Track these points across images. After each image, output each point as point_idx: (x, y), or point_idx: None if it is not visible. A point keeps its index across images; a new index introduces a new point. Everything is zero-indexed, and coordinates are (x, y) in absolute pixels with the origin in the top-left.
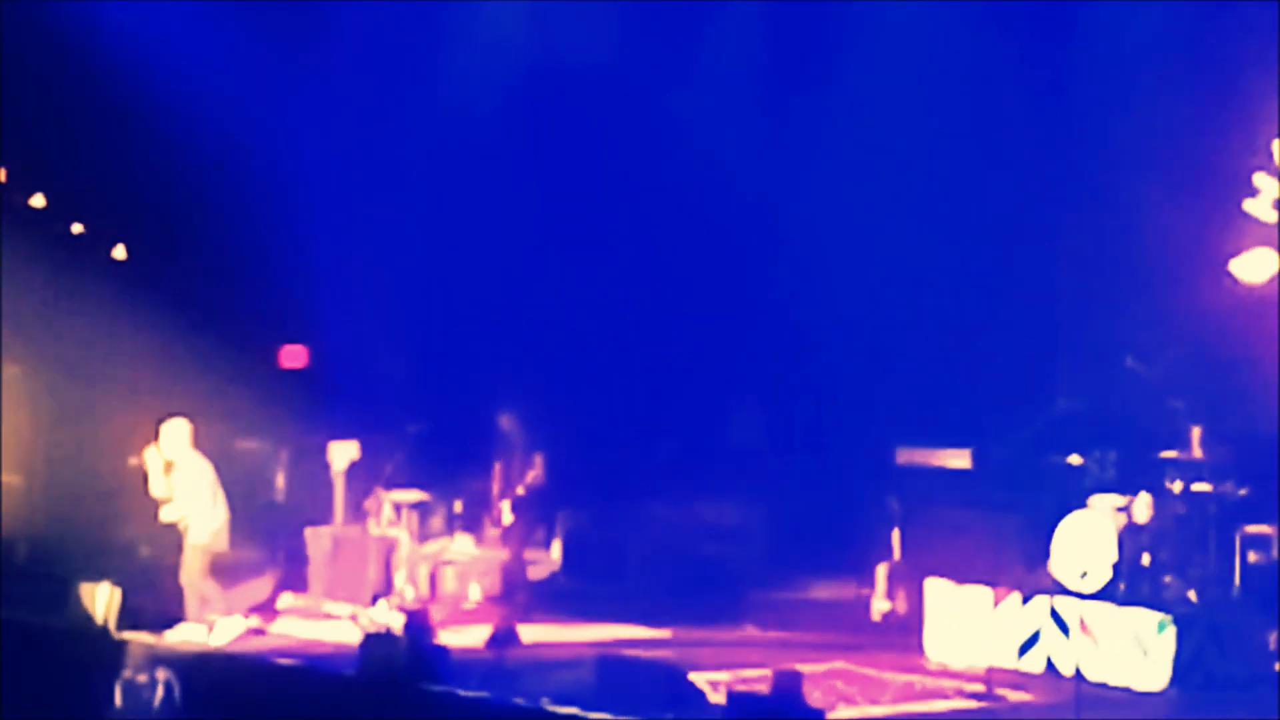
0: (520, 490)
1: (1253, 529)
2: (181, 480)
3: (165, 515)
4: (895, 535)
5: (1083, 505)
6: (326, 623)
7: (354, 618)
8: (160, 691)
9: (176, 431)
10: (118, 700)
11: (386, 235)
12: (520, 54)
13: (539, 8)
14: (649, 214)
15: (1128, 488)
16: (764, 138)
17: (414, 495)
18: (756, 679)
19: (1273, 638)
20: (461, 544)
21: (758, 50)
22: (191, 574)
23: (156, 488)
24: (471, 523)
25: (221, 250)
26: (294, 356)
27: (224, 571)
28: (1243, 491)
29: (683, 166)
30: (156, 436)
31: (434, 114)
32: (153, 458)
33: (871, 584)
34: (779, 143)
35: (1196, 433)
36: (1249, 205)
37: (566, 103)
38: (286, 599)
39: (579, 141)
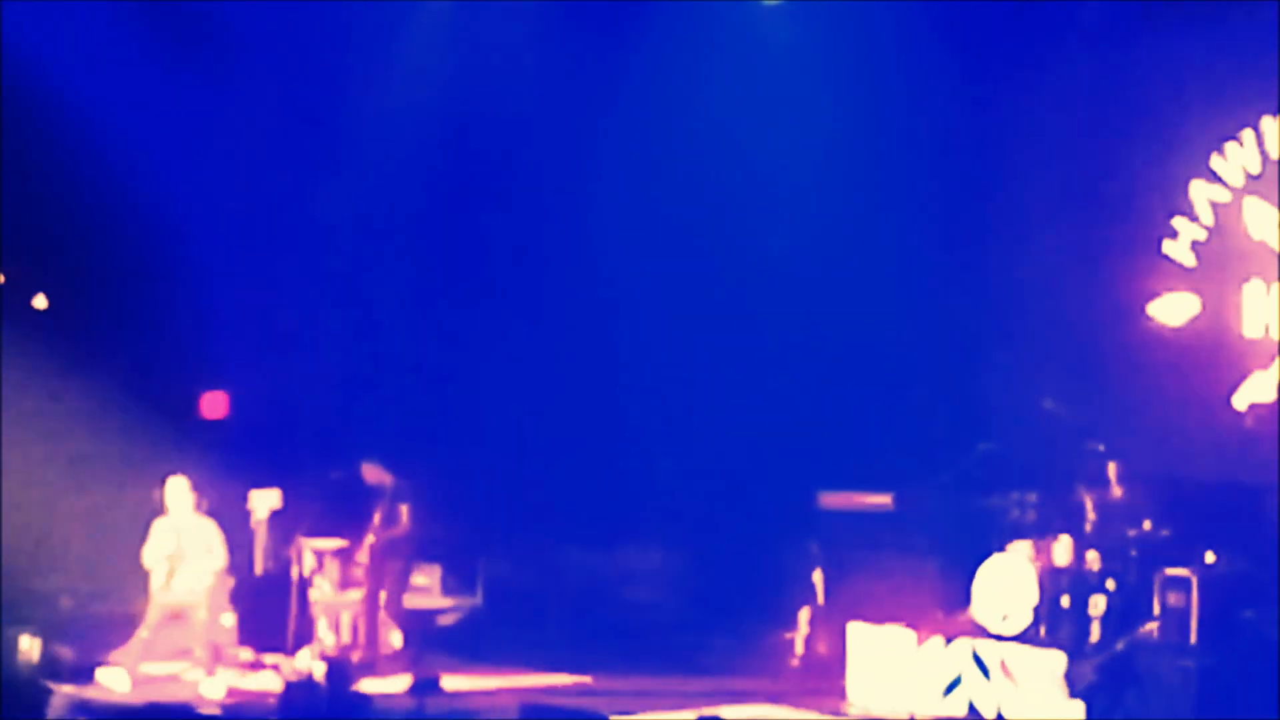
0: (379, 537)
1: (1172, 571)
2: (187, 538)
3: (158, 576)
4: (817, 578)
5: (1003, 548)
6: (249, 672)
7: (276, 666)
8: None
9: (179, 490)
10: None
11: (306, 280)
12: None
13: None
14: (560, 259)
15: (1047, 530)
16: (675, 186)
17: (335, 543)
18: None
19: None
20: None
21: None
22: (152, 625)
23: (155, 551)
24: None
25: (138, 295)
26: (214, 405)
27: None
28: (1163, 533)
29: (599, 226)
30: (161, 497)
31: (341, 164)
32: (160, 524)
33: (793, 628)
34: (693, 194)
35: (1115, 474)
36: (1168, 248)
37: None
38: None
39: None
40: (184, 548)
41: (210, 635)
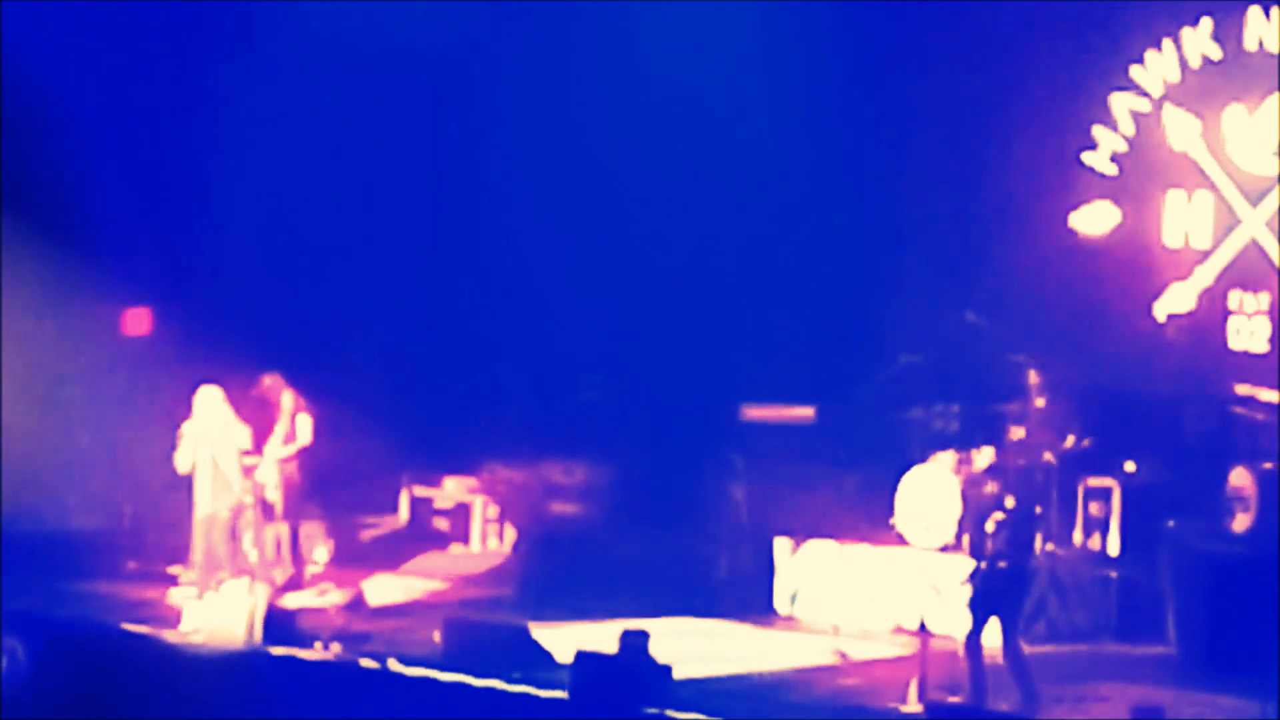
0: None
1: (1094, 481)
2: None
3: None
4: (740, 492)
5: (925, 459)
6: (178, 588)
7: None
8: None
9: (210, 399)
10: None
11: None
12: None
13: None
14: (482, 174)
15: (970, 441)
16: (593, 104)
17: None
18: (603, 637)
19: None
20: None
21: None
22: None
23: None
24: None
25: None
26: (137, 321)
27: None
28: (1085, 443)
29: (528, 134)
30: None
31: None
32: (188, 429)
33: (717, 541)
34: (612, 103)
35: (1036, 385)
36: (1088, 158)
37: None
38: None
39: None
40: (213, 457)
41: (231, 562)
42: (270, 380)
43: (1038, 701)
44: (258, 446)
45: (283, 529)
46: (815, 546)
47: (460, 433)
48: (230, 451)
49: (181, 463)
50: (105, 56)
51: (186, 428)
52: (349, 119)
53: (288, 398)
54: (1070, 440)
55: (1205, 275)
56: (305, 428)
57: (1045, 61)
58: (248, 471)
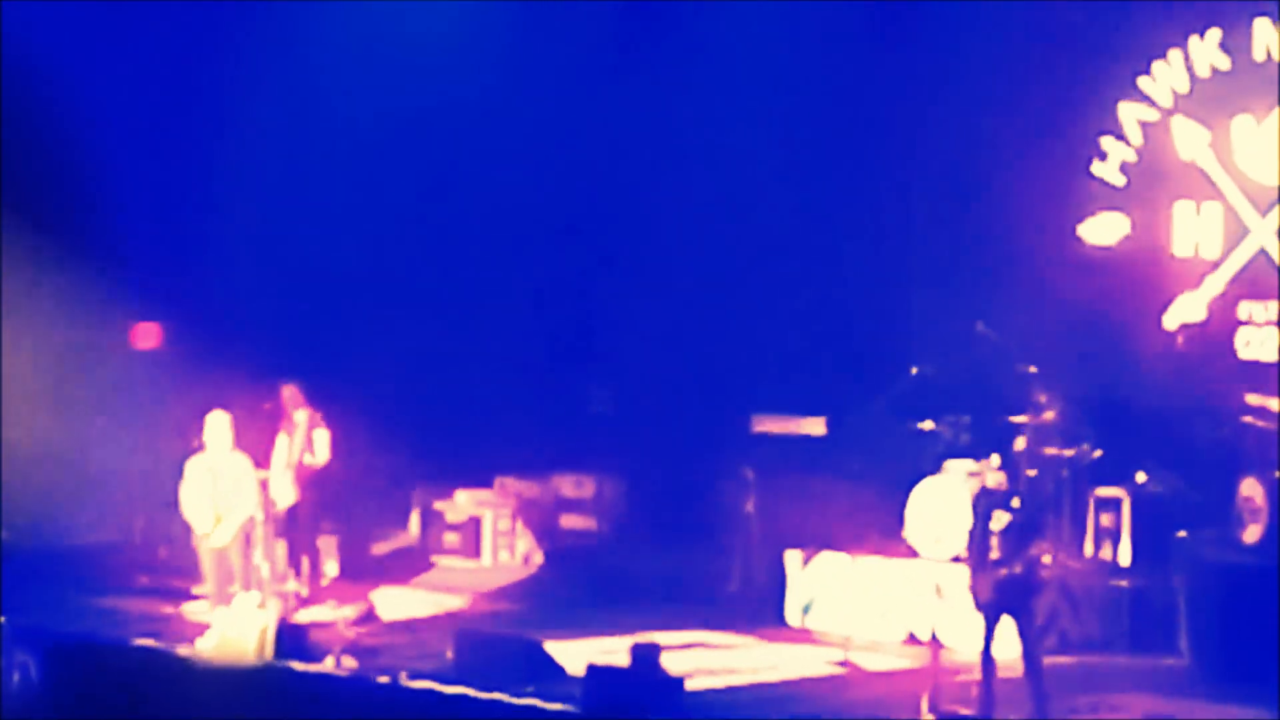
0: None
1: (1104, 491)
2: (225, 478)
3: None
4: (751, 504)
5: (936, 471)
6: (189, 603)
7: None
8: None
9: (218, 427)
10: None
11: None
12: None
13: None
14: (496, 188)
15: (980, 452)
16: (614, 108)
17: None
18: (615, 651)
19: (1124, 599)
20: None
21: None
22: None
23: (193, 494)
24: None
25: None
26: (146, 336)
27: None
28: (1095, 454)
29: (543, 146)
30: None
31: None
32: (196, 462)
33: (728, 554)
34: (625, 114)
35: (1047, 396)
36: (1097, 168)
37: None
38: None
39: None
40: (220, 489)
41: (243, 576)
42: (289, 392)
43: (1049, 712)
44: (269, 458)
45: (295, 543)
46: (826, 558)
47: (471, 446)
48: (239, 476)
49: (187, 502)
50: (118, 66)
51: (193, 462)
52: (363, 132)
53: (302, 413)
54: (1081, 450)
55: (1214, 285)
56: (323, 445)
57: (1054, 72)
58: (260, 486)
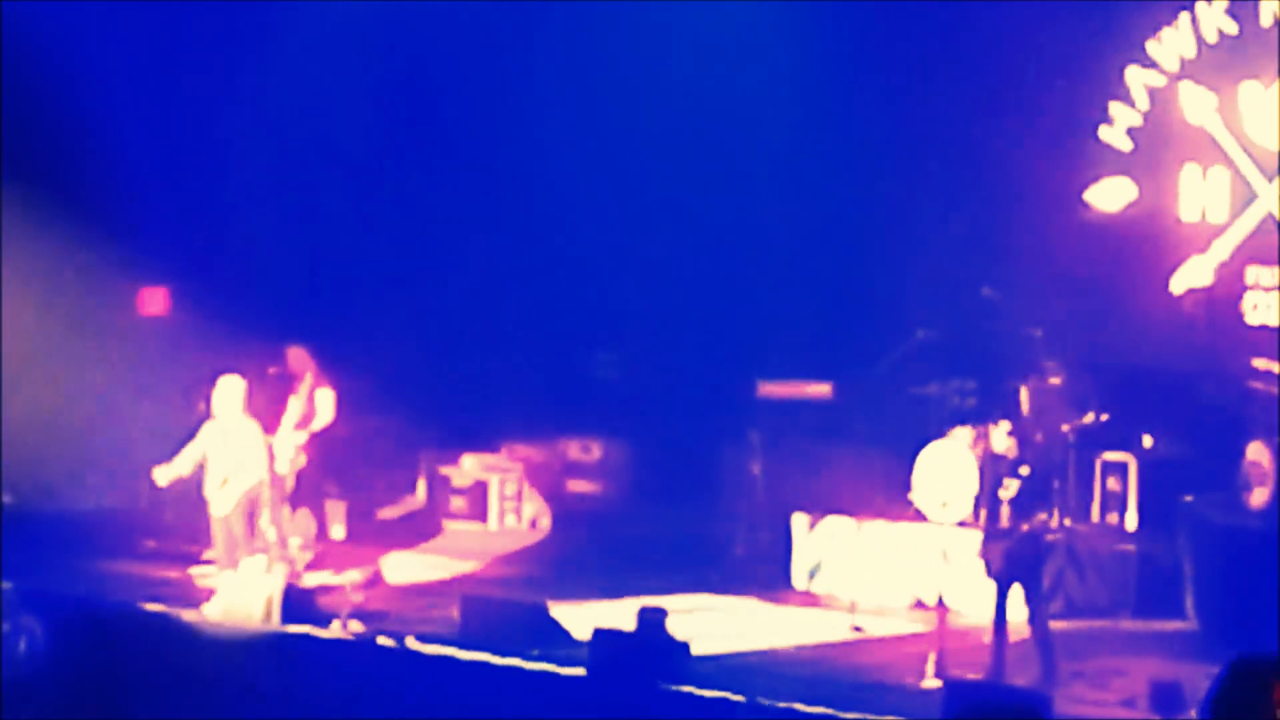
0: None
1: (1111, 456)
2: (234, 443)
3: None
4: (758, 468)
5: (942, 435)
6: (196, 567)
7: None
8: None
9: (231, 391)
10: None
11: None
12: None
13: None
14: (499, 152)
15: (987, 417)
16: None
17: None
18: (621, 614)
19: (1131, 563)
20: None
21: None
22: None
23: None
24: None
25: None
26: (153, 300)
27: None
28: (1102, 418)
29: (546, 113)
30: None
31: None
32: (208, 426)
33: (735, 518)
34: (626, 86)
35: (1054, 361)
36: (1104, 133)
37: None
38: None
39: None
40: (228, 453)
41: (249, 541)
42: (296, 354)
43: (1056, 676)
44: (276, 422)
45: (301, 507)
46: (833, 522)
47: (478, 410)
48: (248, 441)
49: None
50: (122, 32)
51: (206, 427)
52: (370, 97)
53: (309, 373)
54: (1087, 415)
55: (1221, 249)
56: (327, 404)
57: (1061, 37)
58: (268, 450)
